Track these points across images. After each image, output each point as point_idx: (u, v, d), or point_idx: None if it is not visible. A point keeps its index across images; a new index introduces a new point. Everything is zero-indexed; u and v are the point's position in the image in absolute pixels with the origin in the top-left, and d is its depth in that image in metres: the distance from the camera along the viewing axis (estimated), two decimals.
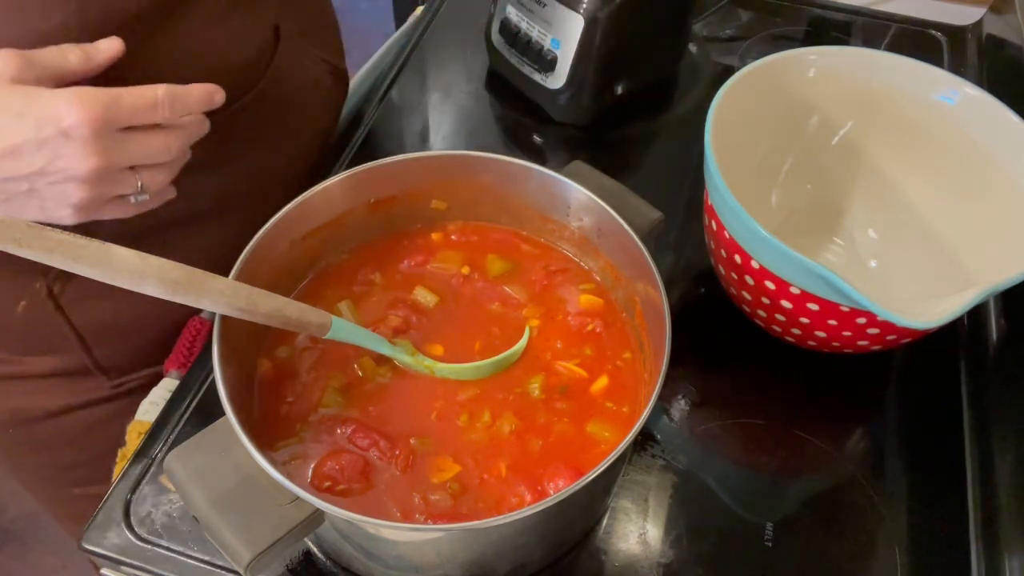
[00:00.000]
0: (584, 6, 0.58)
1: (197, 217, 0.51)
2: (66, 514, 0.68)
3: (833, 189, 0.54)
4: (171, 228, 0.49)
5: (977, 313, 0.52)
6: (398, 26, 0.78)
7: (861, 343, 0.44)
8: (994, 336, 0.50)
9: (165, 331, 0.53)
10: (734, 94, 0.46)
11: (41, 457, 0.61)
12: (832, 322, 0.43)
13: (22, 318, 0.50)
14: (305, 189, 0.43)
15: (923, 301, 0.39)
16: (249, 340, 0.41)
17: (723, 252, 0.46)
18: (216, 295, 0.35)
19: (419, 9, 0.77)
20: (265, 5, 0.50)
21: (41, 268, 0.48)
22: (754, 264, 0.43)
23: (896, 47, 0.72)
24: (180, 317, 0.53)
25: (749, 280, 0.45)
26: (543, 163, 0.45)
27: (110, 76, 0.40)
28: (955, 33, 0.73)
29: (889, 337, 0.44)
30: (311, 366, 0.42)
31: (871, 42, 0.73)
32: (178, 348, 0.54)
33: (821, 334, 0.45)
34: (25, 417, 0.56)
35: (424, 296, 0.45)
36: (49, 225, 0.31)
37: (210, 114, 0.43)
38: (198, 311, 0.54)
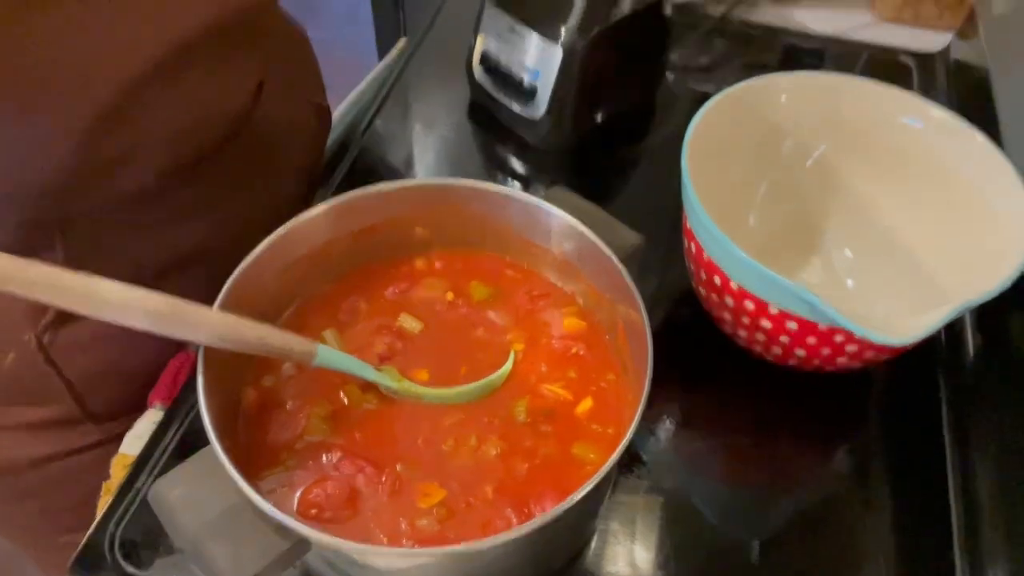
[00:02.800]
0: (562, 37, 0.59)
1: (183, 262, 0.51)
2: (51, 562, 0.67)
3: (809, 210, 0.55)
4: (157, 274, 0.49)
5: (953, 328, 0.53)
6: (380, 57, 0.79)
7: (841, 361, 0.45)
8: (971, 351, 0.51)
9: (154, 374, 0.53)
10: (709, 120, 0.47)
11: (26, 506, 0.60)
12: (811, 340, 0.44)
13: (9, 370, 0.50)
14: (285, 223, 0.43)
15: (899, 318, 0.40)
16: (233, 369, 0.41)
17: (703, 274, 0.47)
18: (201, 326, 0.35)
19: (402, 41, 0.79)
20: (252, 59, 0.51)
21: (30, 319, 0.49)
22: (733, 285, 0.44)
23: (868, 73, 0.74)
24: (168, 358, 0.53)
25: (729, 301, 0.45)
26: (525, 189, 0.46)
27: (104, 128, 0.41)
28: (925, 59, 0.75)
29: (867, 354, 0.44)
30: (296, 394, 0.42)
31: (844, 69, 0.74)
32: (162, 380, 0.54)
33: (801, 353, 0.45)
34: (9, 467, 0.56)
35: (409, 323, 0.46)
36: None
37: (195, 161, 0.44)
38: (184, 348, 0.54)
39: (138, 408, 0.55)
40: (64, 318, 0.49)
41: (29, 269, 0.30)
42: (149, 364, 0.53)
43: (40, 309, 0.49)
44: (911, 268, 0.50)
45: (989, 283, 0.40)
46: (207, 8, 0.45)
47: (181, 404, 0.49)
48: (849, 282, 0.54)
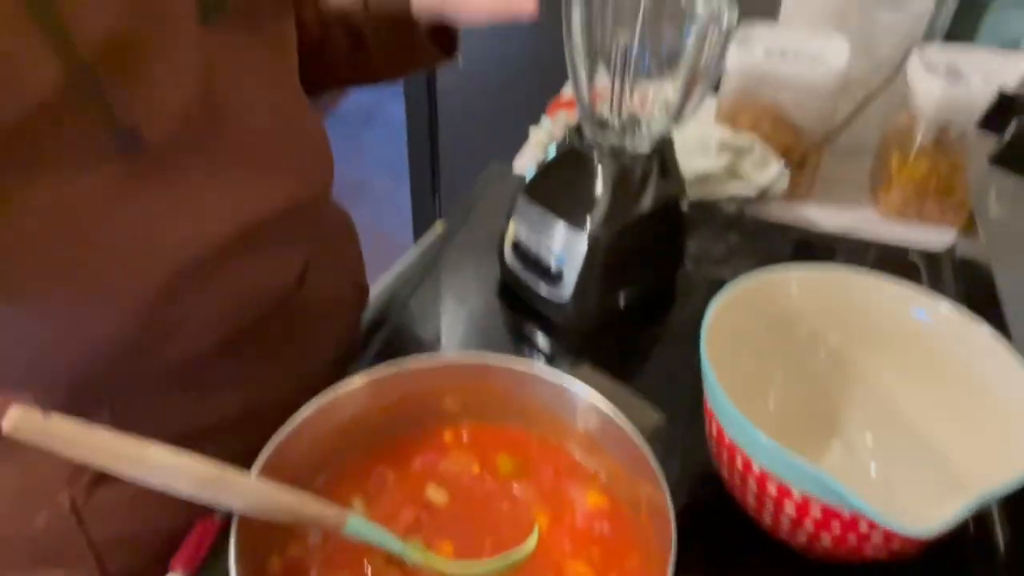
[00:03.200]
0: (588, 229, 0.64)
1: (221, 427, 0.53)
2: None
3: (828, 396, 0.57)
4: (197, 438, 0.51)
5: (982, 519, 0.52)
6: (416, 239, 0.86)
7: (866, 551, 0.45)
8: (1001, 543, 0.50)
9: (176, 540, 0.54)
10: (725, 308, 0.50)
11: None
12: (836, 527, 0.44)
13: (40, 530, 0.50)
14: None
15: (925, 507, 0.40)
16: (261, 537, 0.42)
17: (725, 455, 0.48)
18: (241, 493, 0.37)
19: (438, 225, 0.85)
20: (304, 243, 0.56)
21: (66, 479, 0.50)
22: (755, 467, 0.45)
23: (878, 267, 0.77)
24: (190, 524, 0.54)
25: (752, 483, 0.46)
26: (551, 366, 0.49)
27: (161, 305, 0.45)
28: (932, 256, 0.79)
29: (893, 545, 0.44)
30: (321, 563, 0.43)
31: (854, 262, 0.78)
32: (184, 547, 0.54)
33: (826, 541, 0.45)
34: None
35: (436, 494, 0.47)
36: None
37: (237, 334, 0.47)
38: (210, 514, 0.55)
39: (157, 573, 0.55)
40: (100, 480, 0.50)
41: (91, 435, 0.33)
42: (173, 529, 0.53)
43: (79, 470, 0.50)
44: (934, 455, 0.51)
45: (1010, 474, 0.40)
46: (270, 197, 0.51)
47: (203, 572, 0.49)
48: (872, 468, 0.54)
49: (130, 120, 0.41)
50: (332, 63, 0.67)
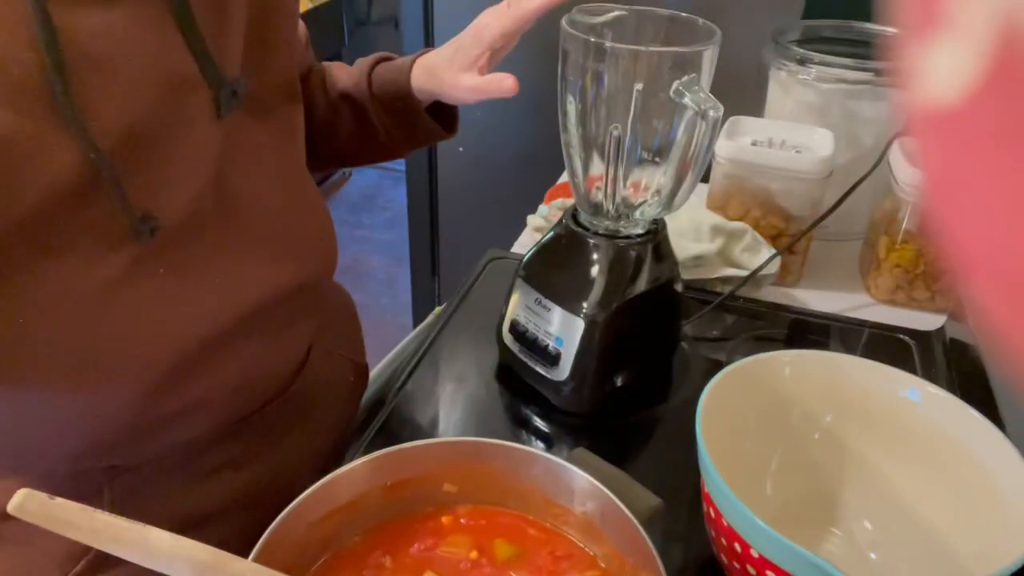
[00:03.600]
0: (584, 311, 0.66)
1: (220, 511, 0.53)
2: None
3: (824, 479, 0.57)
4: (196, 522, 0.51)
5: None
6: (416, 321, 0.87)
7: None
8: None
9: None
10: (720, 390, 0.51)
11: None
12: None
13: None
14: (322, 475, 0.46)
15: None
16: None
17: (723, 540, 0.48)
18: None
19: (438, 308, 0.86)
20: (307, 325, 0.58)
21: (61, 565, 0.50)
22: (754, 553, 0.45)
23: (871, 349, 0.79)
24: None
25: (751, 570, 0.46)
26: (549, 449, 0.49)
27: (165, 389, 0.45)
28: (923, 336, 0.81)
29: None
30: None
31: (847, 344, 0.80)
32: None
33: None
34: None
35: None
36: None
37: (239, 417, 0.48)
38: None
39: None
40: (96, 566, 0.50)
41: (94, 518, 0.33)
42: None
43: (75, 556, 0.50)
44: (932, 540, 0.50)
45: (1007, 559, 0.40)
46: (275, 280, 0.52)
47: None
48: (872, 555, 0.54)
49: (145, 207, 0.43)
50: (339, 141, 0.70)
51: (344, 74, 0.69)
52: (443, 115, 0.70)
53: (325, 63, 0.72)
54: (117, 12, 0.40)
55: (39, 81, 0.37)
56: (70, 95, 0.38)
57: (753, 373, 0.54)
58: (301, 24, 0.63)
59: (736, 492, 0.44)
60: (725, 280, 0.86)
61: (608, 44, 0.59)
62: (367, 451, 0.48)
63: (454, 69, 0.62)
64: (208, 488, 0.50)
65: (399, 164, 1.34)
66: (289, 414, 0.57)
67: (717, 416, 0.50)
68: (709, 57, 0.59)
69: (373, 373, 0.75)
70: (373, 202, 2.79)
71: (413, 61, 0.66)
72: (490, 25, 0.60)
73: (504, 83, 0.61)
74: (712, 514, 0.48)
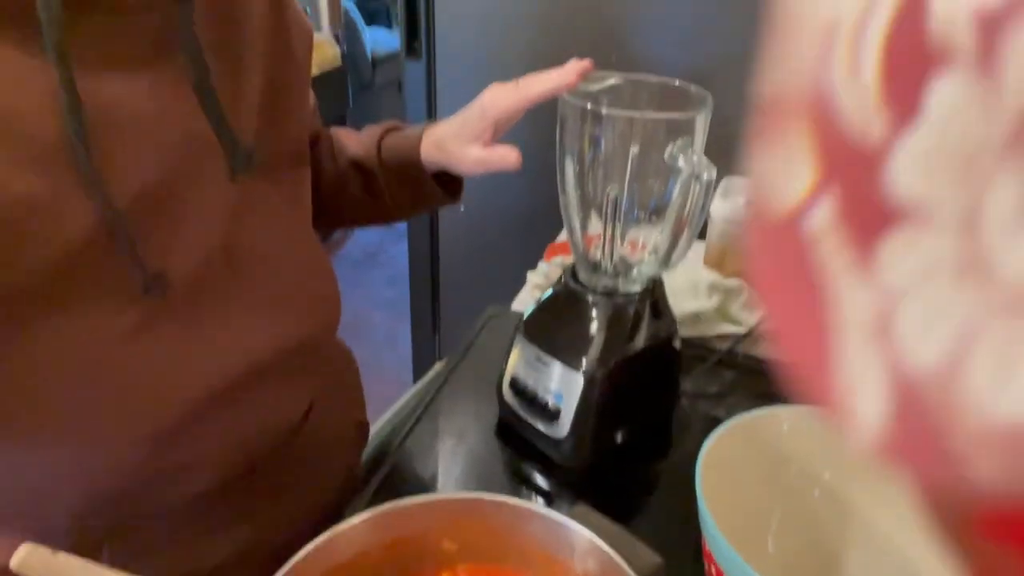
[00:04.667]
0: (583, 367, 0.66)
1: (219, 569, 0.53)
2: None
3: (826, 536, 0.56)
4: None
5: None
6: (416, 377, 0.87)
7: None
8: None
9: None
10: (719, 447, 0.51)
11: None
12: None
13: None
14: (322, 531, 0.46)
15: None
16: None
17: None
18: None
19: (438, 365, 0.87)
20: (309, 379, 0.59)
21: None
22: None
23: None
24: None
25: None
26: (549, 506, 0.49)
27: (169, 442, 0.46)
28: None
29: None
30: None
31: None
32: None
33: None
34: None
35: None
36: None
37: (241, 472, 0.48)
38: None
39: None
40: None
41: (96, 573, 0.33)
42: None
43: None
44: None
45: None
46: (279, 336, 0.53)
47: None
48: None
49: (157, 265, 0.44)
50: (346, 205, 0.72)
51: (353, 141, 0.72)
52: (448, 181, 0.72)
53: (333, 129, 0.74)
54: (141, 81, 0.42)
55: (61, 144, 0.39)
56: (91, 159, 0.39)
57: (751, 430, 0.54)
58: (310, 92, 0.66)
59: (737, 550, 0.44)
60: (724, 337, 0.87)
61: (604, 110, 0.61)
62: (368, 507, 0.48)
63: (460, 141, 0.65)
64: (207, 544, 0.49)
65: (400, 222, 1.36)
66: (290, 470, 0.57)
67: (717, 473, 0.50)
68: (702, 122, 0.61)
69: (374, 429, 0.75)
70: (375, 259, 2.82)
71: (422, 132, 0.69)
72: (496, 102, 0.62)
73: (508, 156, 0.63)
74: (714, 572, 0.48)
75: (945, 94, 0.11)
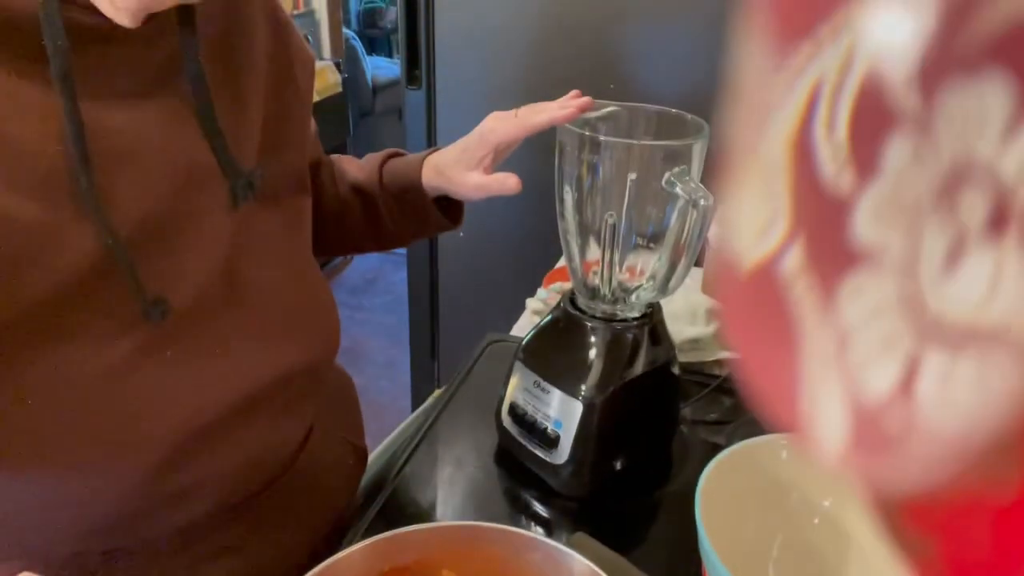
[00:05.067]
0: (582, 393, 0.66)
1: None
2: None
3: (826, 565, 0.56)
4: None
5: None
6: (415, 404, 0.87)
7: None
8: None
9: None
10: (718, 474, 0.51)
11: None
12: None
13: None
14: (320, 560, 0.46)
15: None
16: None
17: None
18: None
19: (437, 391, 0.87)
20: (308, 407, 0.58)
21: None
22: None
23: None
24: None
25: None
26: (548, 534, 0.49)
27: (168, 469, 0.45)
28: None
29: None
30: None
31: None
32: None
33: None
34: None
35: None
36: None
37: (239, 499, 0.48)
38: None
39: None
40: None
41: None
42: None
43: None
44: None
45: None
46: (279, 362, 0.53)
47: None
48: None
49: (157, 292, 0.44)
50: (347, 230, 0.73)
51: (354, 167, 0.72)
52: (449, 207, 0.72)
53: (334, 156, 0.75)
54: (143, 110, 0.42)
55: (64, 172, 0.39)
56: (93, 187, 0.40)
57: (751, 457, 0.54)
58: (311, 119, 0.66)
59: None
60: (723, 363, 0.87)
61: (603, 138, 0.62)
62: (366, 535, 0.48)
63: (460, 168, 0.66)
64: (204, 572, 0.49)
65: (400, 248, 1.37)
66: (288, 497, 0.57)
67: (717, 500, 0.49)
68: (699, 149, 0.62)
69: (372, 456, 0.75)
70: (374, 285, 2.82)
71: (423, 158, 0.70)
72: (496, 130, 0.63)
73: (507, 182, 0.64)
74: None
75: (896, 151, 0.12)
